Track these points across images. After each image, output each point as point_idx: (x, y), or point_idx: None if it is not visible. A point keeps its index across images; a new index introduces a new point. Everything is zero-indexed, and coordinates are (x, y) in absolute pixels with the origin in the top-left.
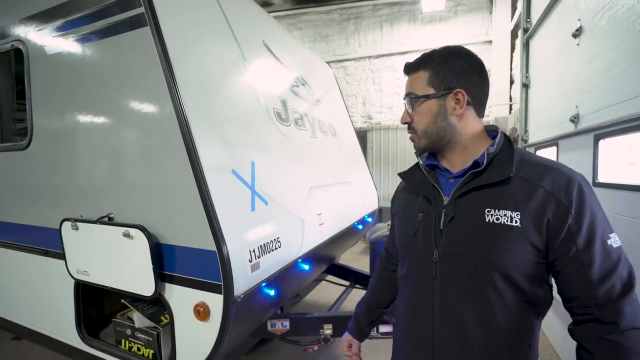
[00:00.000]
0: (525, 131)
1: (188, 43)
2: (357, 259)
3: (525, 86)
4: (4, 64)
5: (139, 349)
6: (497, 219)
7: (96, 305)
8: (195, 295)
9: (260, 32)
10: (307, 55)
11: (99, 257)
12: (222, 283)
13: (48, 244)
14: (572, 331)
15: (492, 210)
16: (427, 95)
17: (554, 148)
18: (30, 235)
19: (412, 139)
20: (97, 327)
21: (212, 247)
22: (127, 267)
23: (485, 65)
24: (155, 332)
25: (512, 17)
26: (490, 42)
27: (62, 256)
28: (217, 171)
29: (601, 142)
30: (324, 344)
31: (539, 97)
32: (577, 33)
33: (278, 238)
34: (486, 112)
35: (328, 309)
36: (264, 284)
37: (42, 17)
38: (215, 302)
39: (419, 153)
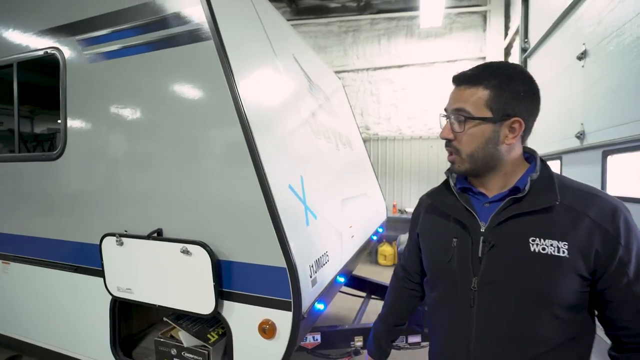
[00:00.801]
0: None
1: (244, 59)
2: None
3: None
4: (34, 71)
5: None
6: (543, 248)
7: (124, 324)
8: (260, 312)
9: (290, 45)
10: (323, 67)
11: (148, 274)
12: (291, 300)
13: (79, 260)
14: (616, 358)
15: (538, 239)
16: (484, 119)
17: (557, 162)
18: (59, 251)
19: (451, 160)
20: (128, 346)
21: (281, 263)
22: (183, 285)
23: None
24: (206, 351)
25: (505, 36)
26: (484, 58)
27: (97, 273)
28: (279, 186)
29: (609, 158)
30: (354, 356)
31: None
32: (582, 56)
33: (327, 252)
34: None
35: (352, 320)
36: (318, 299)
37: (84, 25)
38: (283, 319)
39: (453, 174)
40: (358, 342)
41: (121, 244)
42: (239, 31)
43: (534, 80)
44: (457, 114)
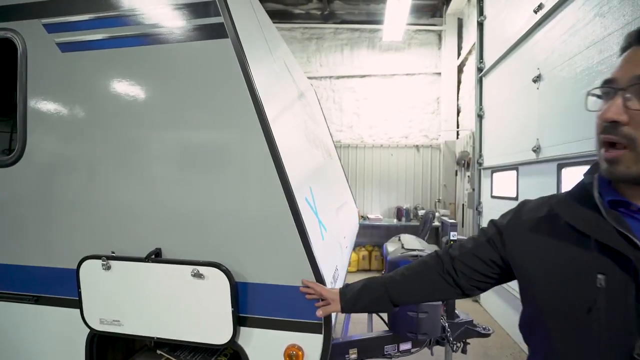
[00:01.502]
0: (480, 155)
1: (255, 58)
2: None
3: (480, 117)
4: None
5: None
6: None
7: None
8: (286, 337)
9: (280, 49)
10: (302, 74)
11: (144, 303)
12: (322, 321)
13: (41, 289)
14: None
15: None
16: None
17: (514, 172)
18: (15, 279)
19: (612, 158)
20: None
21: None
22: (192, 313)
23: (435, 94)
24: None
25: (458, 55)
26: (439, 74)
27: (68, 303)
28: (300, 199)
29: (564, 170)
30: None
31: (493, 127)
32: (537, 79)
33: (337, 266)
34: (435, 135)
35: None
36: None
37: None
38: (312, 342)
39: (610, 179)
40: (353, 354)
41: (108, 268)
42: (248, 32)
43: None
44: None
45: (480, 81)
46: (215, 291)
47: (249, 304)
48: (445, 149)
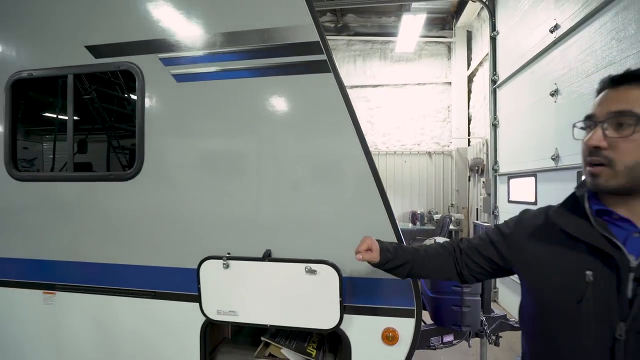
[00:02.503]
0: (496, 162)
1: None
2: None
3: (495, 126)
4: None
5: None
6: None
7: None
8: (382, 321)
9: None
10: None
11: (259, 295)
12: (414, 307)
13: (159, 285)
14: None
15: None
16: None
17: (532, 178)
18: (137, 278)
19: (594, 173)
20: None
21: None
22: (304, 303)
23: (445, 103)
24: None
25: (468, 66)
26: (449, 83)
27: (186, 298)
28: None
29: (583, 177)
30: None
31: (509, 135)
32: (554, 93)
33: None
34: (446, 142)
35: None
36: None
37: (171, 44)
38: (405, 325)
39: (594, 191)
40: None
41: (227, 266)
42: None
43: None
44: (620, 117)
45: (494, 92)
46: (326, 284)
47: (351, 295)
48: (457, 156)
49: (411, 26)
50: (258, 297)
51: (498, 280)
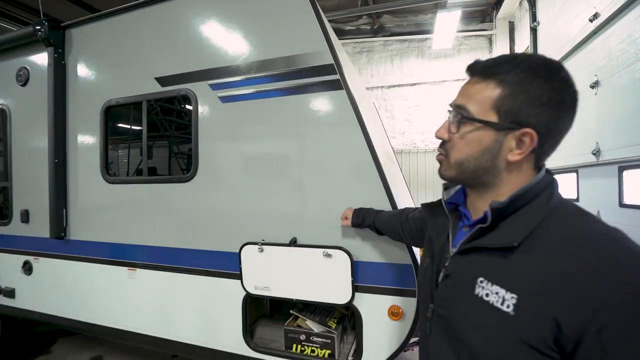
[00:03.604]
0: None
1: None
2: None
3: None
4: (168, 109)
5: (313, 351)
6: (487, 294)
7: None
8: (389, 300)
9: (356, 78)
10: (364, 89)
11: (287, 274)
12: (416, 289)
13: (211, 265)
14: None
15: (486, 282)
16: (485, 122)
17: (573, 174)
18: (195, 259)
19: (439, 160)
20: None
21: (408, 261)
22: (322, 281)
23: None
24: (332, 335)
25: None
26: None
27: (231, 276)
28: (400, 205)
29: (625, 172)
30: None
31: None
32: (595, 85)
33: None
34: None
35: None
36: None
37: (219, 72)
38: (408, 304)
39: (440, 177)
40: None
41: (261, 250)
42: (349, 74)
43: (571, 86)
44: (456, 110)
45: None
46: (340, 266)
47: (362, 276)
48: None
49: (447, 23)
50: (286, 276)
51: None
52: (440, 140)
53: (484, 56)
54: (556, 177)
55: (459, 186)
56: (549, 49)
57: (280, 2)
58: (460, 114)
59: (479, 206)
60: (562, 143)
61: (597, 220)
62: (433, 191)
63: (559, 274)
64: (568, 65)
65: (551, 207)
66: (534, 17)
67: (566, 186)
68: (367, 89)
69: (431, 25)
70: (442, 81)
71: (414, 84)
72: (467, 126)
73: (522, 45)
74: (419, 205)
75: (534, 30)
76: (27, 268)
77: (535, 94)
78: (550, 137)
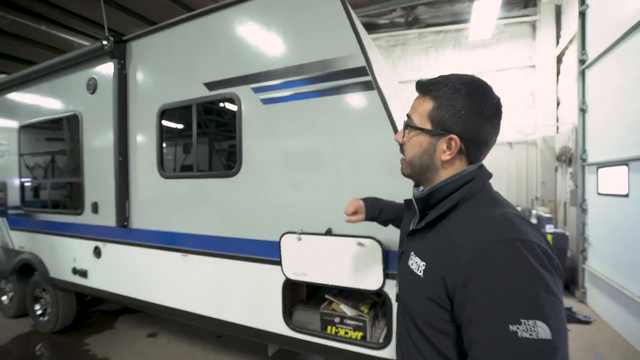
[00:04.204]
0: (584, 151)
1: (388, 98)
2: None
3: (583, 111)
4: (214, 112)
5: (346, 333)
6: (412, 264)
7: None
8: None
9: (386, 75)
10: (396, 82)
11: (323, 261)
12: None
13: (254, 252)
14: None
15: (414, 255)
16: (421, 129)
17: (624, 167)
18: (239, 247)
19: (400, 161)
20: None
21: None
22: (355, 268)
23: (529, 88)
24: (365, 319)
25: (556, 44)
26: (533, 66)
27: (271, 262)
28: None
29: None
30: None
31: (599, 121)
32: None
33: None
34: (532, 130)
35: None
36: None
37: (259, 76)
38: None
39: (403, 174)
40: None
41: (300, 239)
42: (381, 73)
43: (491, 97)
44: (406, 120)
45: (582, 74)
46: (372, 255)
47: (393, 264)
48: (542, 145)
49: (486, 10)
50: (321, 263)
51: (587, 279)
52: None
53: (527, 43)
54: (604, 171)
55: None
56: (600, 34)
57: (315, 9)
58: (407, 123)
59: None
60: (610, 135)
61: (503, 207)
62: None
63: (448, 245)
64: (620, 52)
65: (461, 198)
66: (582, 0)
67: (616, 180)
68: (401, 82)
69: (468, 14)
70: (480, 72)
71: None
72: (412, 132)
73: (569, 31)
74: None
75: (582, 15)
76: (97, 252)
77: (457, 107)
78: (472, 142)
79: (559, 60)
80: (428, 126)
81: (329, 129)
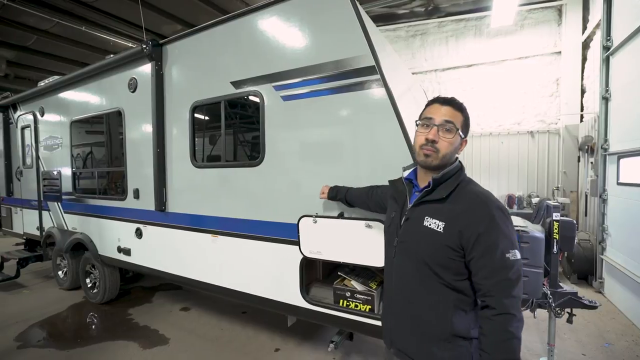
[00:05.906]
0: (606, 141)
1: (397, 96)
2: None
3: (605, 99)
4: (240, 107)
5: (356, 306)
6: (430, 224)
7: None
8: None
9: (398, 70)
10: (410, 75)
11: (335, 241)
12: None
13: (275, 233)
14: (480, 315)
15: (429, 218)
16: (458, 133)
17: None
18: (262, 229)
19: (428, 154)
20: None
21: None
22: (364, 247)
23: (553, 76)
24: (373, 294)
25: (583, 30)
26: (559, 53)
27: (290, 242)
28: None
29: None
30: None
31: (623, 109)
32: None
33: None
34: (553, 119)
35: None
36: None
37: (280, 75)
38: None
39: (424, 168)
40: None
41: (315, 222)
42: (390, 71)
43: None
44: (448, 124)
45: (606, 60)
46: (379, 235)
47: None
48: (565, 134)
49: None
50: (335, 242)
51: (605, 269)
52: (427, 141)
53: (552, 29)
54: (626, 160)
55: (412, 169)
56: (625, 18)
57: (328, 12)
58: (455, 127)
59: (426, 179)
60: (633, 124)
61: (478, 185)
62: (488, 177)
63: (462, 210)
64: None
65: (460, 180)
66: None
67: (637, 170)
68: (420, 73)
69: (490, 1)
70: (501, 60)
71: (470, 65)
72: (453, 135)
73: (597, 15)
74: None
75: (607, 0)
76: (139, 233)
77: (469, 122)
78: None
79: (586, 46)
80: (461, 132)
81: (342, 124)
